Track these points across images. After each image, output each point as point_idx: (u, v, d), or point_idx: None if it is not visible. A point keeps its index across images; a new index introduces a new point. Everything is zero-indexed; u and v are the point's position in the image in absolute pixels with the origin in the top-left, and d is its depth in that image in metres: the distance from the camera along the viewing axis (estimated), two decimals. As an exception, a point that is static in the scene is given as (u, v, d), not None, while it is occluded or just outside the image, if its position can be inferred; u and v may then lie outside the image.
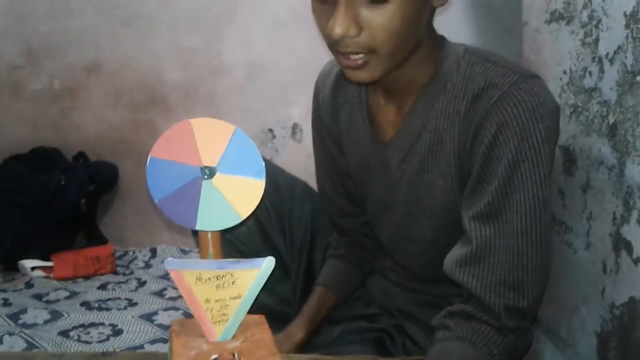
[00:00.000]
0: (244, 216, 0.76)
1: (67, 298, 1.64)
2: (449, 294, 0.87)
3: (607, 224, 0.87)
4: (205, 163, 0.75)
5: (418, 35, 0.81)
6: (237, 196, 0.75)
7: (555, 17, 1.03)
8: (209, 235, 0.77)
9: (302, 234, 1.09)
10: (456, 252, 0.83)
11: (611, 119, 0.87)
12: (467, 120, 0.81)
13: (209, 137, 0.76)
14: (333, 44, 0.78)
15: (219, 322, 0.73)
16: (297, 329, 1.00)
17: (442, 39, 0.88)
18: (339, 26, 0.74)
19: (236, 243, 1.01)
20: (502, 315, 0.79)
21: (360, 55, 0.77)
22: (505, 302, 0.79)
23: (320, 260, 1.11)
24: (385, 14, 0.75)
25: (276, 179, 1.06)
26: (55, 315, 1.51)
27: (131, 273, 1.84)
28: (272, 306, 1.04)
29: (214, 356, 0.70)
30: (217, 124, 0.76)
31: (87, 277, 1.79)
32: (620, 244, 0.84)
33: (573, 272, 0.97)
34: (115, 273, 1.83)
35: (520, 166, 0.77)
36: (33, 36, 2.07)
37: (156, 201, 0.76)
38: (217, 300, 0.73)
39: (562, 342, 1.00)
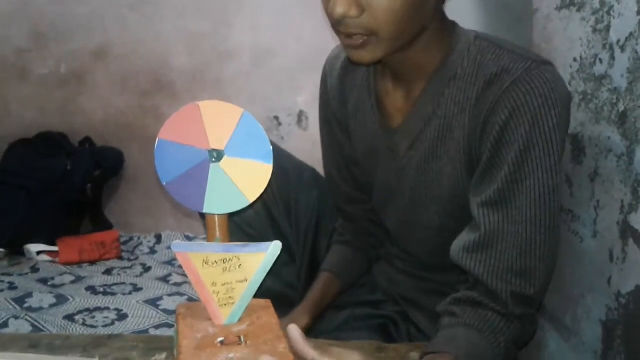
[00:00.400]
0: (252, 200, 0.76)
1: (72, 282, 1.65)
2: (454, 282, 0.87)
3: (615, 212, 0.87)
4: (213, 146, 0.75)
5: (423, 20, 0.80)
6: (244, 179, 0.75)
7: (567, 3, 1.02)
8: (216, 218, 0.77)
9: (308, 220, 1.09)
10: (464, 238, 0.83)
11: (621, 107, 0.86)
12: (478, 106, 0.81)
13: (217, 120, 0.76)
14: (335, 24, 0.78)
15: (226, 305, 0.73)
16: (301, 315, 1.00)
17: (453, 24, 0.87)
18: (340, 6, 0.74)
19: (244, 226, 1.01)
20: (509, 302, 0.79)
21: (360, 36, 0.77)
22: (512, 288, 0.79)
23: (326, 246, 1.11)
24: None
25: (284, 164, 1.06)
26: (61, 300, 1.52)
27: (136, 258, 1.84)
28: (277, 290, 1.04)
29: (220, 339, 0.70)
30: (225, 107, 0.76)
31: (92, 262, 1.80)
32: (628, 232, 0.83)
33: (579, 260, 0.96)
34: (121, 258, 1.84)
35: (531, 153, 0.77)
36: (40, 20, 2.06)
37: (164, 184, 0.76)
38: (224, 284, 0.74)
39: (567, 331, 1.00)
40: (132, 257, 1.85)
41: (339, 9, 0.74)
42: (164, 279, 1.68)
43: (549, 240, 0.79)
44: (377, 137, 0.93)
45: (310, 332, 1.01)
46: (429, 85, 0.86)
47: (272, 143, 0.76)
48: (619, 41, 0.87)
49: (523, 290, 0.79)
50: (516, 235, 0.78)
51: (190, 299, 1.53)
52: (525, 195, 0.78)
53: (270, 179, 0.75)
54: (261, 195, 0.76)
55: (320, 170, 1.13)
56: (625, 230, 0.84)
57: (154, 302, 1.53)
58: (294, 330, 0.66)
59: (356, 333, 1.00)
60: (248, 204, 0.76)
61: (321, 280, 1.03)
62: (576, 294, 0.97)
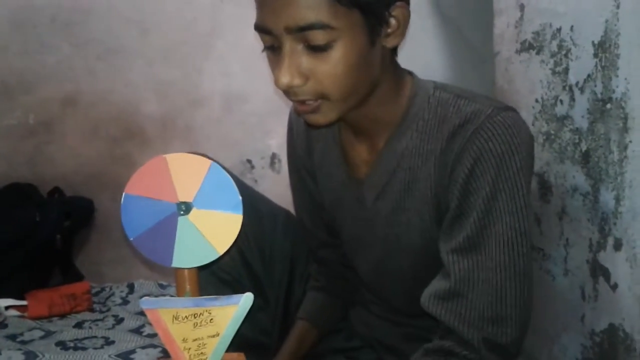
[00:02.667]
0: (221, 252, 0.75)
1: (42, 338, 1.60)
2: (433, 326, 0.86)
3: (584, 250, 0.88)
4: (181, 198, 0.75)
5: (371, 77, 0.80)
6: (214, 231, 0.75)
7: (526, 47, 1.05)
8: (186, 272, 0.76)
9: (282, 265, 1.08)
10: (435, 285, 0.82)
11: (584, 147, 0.88)
12: (443, 157, 0.81)
13: (184, 173, 0.75)
14: (284, 93, 0.78)
15: (197, 361, 0.72)
16: (278, 366, 0.99)
17: (408, 75, 0.87)
18: (284, 77, 0.75)
19: (218, 272, 0.99)
20: (482, 348, 0.78)
21: (312, 101, 0.78)
22: (484, 335, 0.78)
23: (301, 291, 1.10)
24: (328, 62, 0.74)
25: (259, 207, 1.05)
26: (30, 356, 1.47)
27: (108, 310, 1.80)
28: (251, 337, 1.02)
29: (192, 397, 0.68)
30: (192, 159, 0.76)
31: (62, 316, 1.74)
32: (598, 270, 0.84)
33: (552, 298, 0.97)
34: (92, 310, 1.79)
35: (498, 198, 0.77)
36: (7, 72, 2.05)
37: (131, 239, 0.75)
38: (195, 339, 0.72)
39: (544, 370, 1.00)
40: (104, 309, 1.81)
41: (283, 80, 0.75)
42: (137, 331, 1.64)
43: (521, 287, 0.78)
44: (344, 187, 0.93)
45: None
46: (392, 137, 0.86)
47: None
48: (577, 83, 0.89)
49: (495, 338, 0.78)
50: (487, 282, 0.78)
51: (164, 351, 1.48)
52: (494, 240, 0.77)
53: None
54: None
55: (294, 212, 1.12)
56: (595, 268, 0.85)
57: (126, 356, 1.48)
58: None
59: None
60: (218, 256, 0.75)
61: (297, 329, 1.02)
62: (551, 332, 0.97)
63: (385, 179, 0.87)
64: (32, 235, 1.85)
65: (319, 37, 0.73)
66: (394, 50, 0.83)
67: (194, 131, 2.06)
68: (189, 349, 0.72)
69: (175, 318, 0.72)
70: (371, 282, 0.99)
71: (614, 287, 0.81)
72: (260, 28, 0.77)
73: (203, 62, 2.04)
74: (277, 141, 2.05)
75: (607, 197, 0.82)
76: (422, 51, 1.74)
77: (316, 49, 0.74)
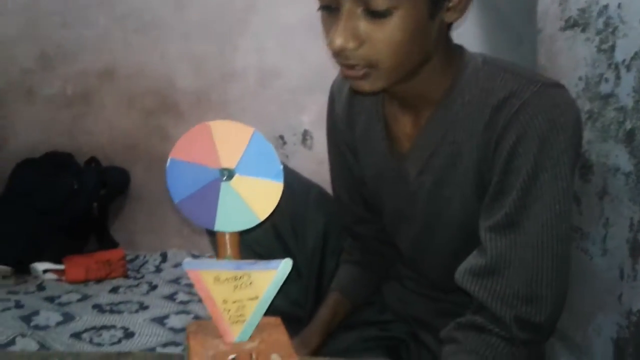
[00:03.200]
0: (262, 218, 0.76)
1: (79, 301, 1.65)
2: (467, 302, 0.85)
3: (624, 230, 0.87)
4: (224, 165, 0.76)
5: (424, 50, 0.79)
6: (255, 198, 0.76)
7: (570, 24, 1.03)
8: (227, 236, 0.77)
9: (314, 239, 1.09)
10: (470, 261, 0.82)
11: (628, 125, 0.87)
12: (487, 132, 0.79)
13: (227, 140, 0.76)
14: (335, 55, 0.78)
15: (236, 322, 0.73)
16: (312, 336, 1.00)
17: (460, 50, 0.86)
18: (339, 38, 0.74)
19: (252, 245, 1.01)
20: (513, 326, 0.77)
21: (360, 68, 0.77)
22: (516, 313, 0.77)
23: (333, 265, 1.10)
24: (386, 29, 0.74)
25: (291, 182, 1.05)
26: (67, 318, 1.52)
27: (142, 277, 1.84)
28: (284, 308, 1.04)
29: (232, 356, 0.70)
30: (235, 126, 0.77)
31: (98, 281, 1.80)
32: (638, 250, 0.84)
33: (589, 278, 0.96)
34: (127, 277, 1.84)
35: (539, 178, 0.75)
36: (47, 42, 2.09)
37: (176, 202, 0.77)
38: (235, 301, 0.74)
39: (577, 349, 1.00)
40: (138, 276, 1.85)
41: (338, 41, 0.74)
42: (170, 297, 1.68)
43: (557, 268, 0.77)
44: (387, 162, 0.93)
45: (319, 352, 1.00)
46: (437, 111, 0.85)
47: (280, 162, 0.77)
48: (624, 61, 0.88)
49: (528, 317, 0.77)
50: (522, 262, 0.77)
51: (197, 318, 1.52)
52: (532, 220, 0.76)
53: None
54: (270, 214, 0.76)
55: (326, 187, 1.13)
56: (635, 248, 0.84)
57: (160, 321, 1.52)
58: None
59: (367, 354, 0.99)
60: (259, 222, 0.76)
61: (330, 299, 1.03)
62: (587, 311, 0.97)
63: (429, 154, 0.86)
64: (69, 202, 1.90)
65: (379, 2, 0.72)
66: (449, 26, 0.82)
67: (228, 106, 2.08)
68: (229, 310, 0.73)
69: (217, 280, 0.73)
70: (411, 257, 0.99)
71: (654, 267, 0.81)
72: None
73: (238, 38, 2.05)
74: (310, 117, 2.06)
75: (650, 176, 0.81)
76: (457, 31, 1.73)
77: (375, 15, 0.73)
